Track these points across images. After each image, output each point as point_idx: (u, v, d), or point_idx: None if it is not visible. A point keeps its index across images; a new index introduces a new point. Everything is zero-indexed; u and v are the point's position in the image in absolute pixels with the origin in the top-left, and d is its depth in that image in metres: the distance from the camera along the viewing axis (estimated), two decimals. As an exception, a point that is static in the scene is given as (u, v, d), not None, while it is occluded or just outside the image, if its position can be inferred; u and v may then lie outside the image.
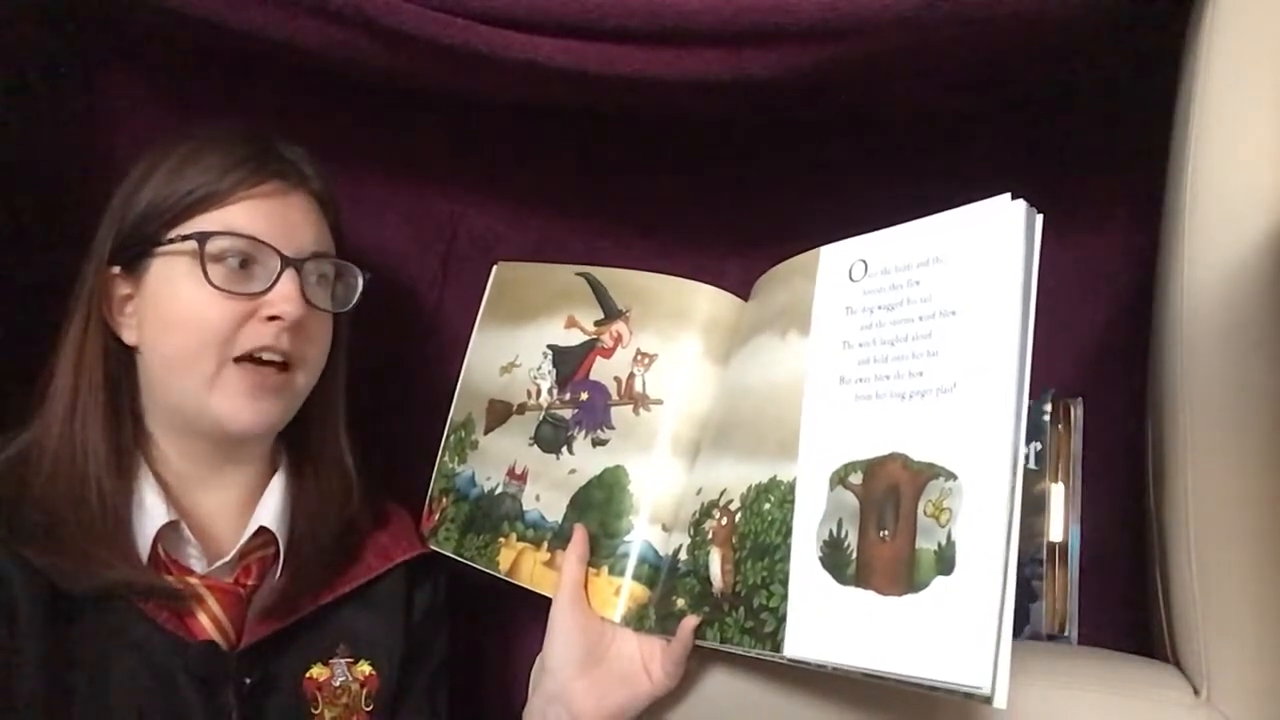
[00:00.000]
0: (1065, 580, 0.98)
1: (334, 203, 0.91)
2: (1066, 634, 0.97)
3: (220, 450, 0.87)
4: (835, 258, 0.77)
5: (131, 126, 1.07)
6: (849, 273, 0.74)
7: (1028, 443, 0.97)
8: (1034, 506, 0.98)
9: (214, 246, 0.81)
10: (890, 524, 0.65)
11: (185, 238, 0.81)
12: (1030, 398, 0.60)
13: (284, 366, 0.84)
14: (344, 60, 0.92)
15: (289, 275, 0.82)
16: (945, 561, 0.61)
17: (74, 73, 1.06)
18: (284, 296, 0.82)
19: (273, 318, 0.82)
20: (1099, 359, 1.04)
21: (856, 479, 0.68)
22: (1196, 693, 0.75)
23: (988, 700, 0.57)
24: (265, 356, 0.83)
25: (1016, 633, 0.97)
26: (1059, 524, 0.98)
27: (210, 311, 0.81)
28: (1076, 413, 0.99)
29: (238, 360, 0.82)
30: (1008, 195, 0.65)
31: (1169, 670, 0.80)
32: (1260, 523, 0.73)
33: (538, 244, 1.16)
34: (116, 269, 0.84)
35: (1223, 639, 0.75)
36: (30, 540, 0.75)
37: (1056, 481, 0.99)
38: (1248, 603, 0.74)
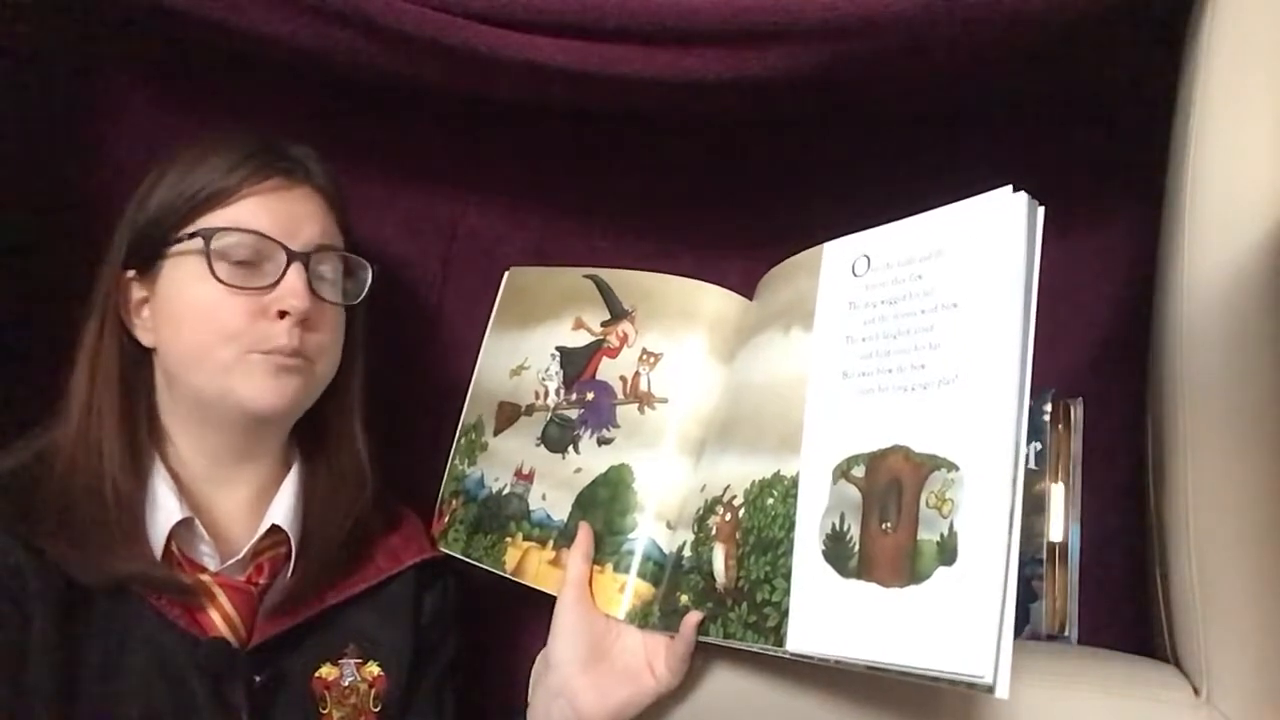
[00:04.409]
0: (1065, 580, 0.98)
1: (341, 198, 0.92)
2: (1066, 634, 0.97)
3: (237, 444, 0.88)
4: (838, 253, 0.77)
5: (131, 126, 1.07)
6: (852, 268, 0.75)
7: (1028, 443, 0.98)
8: (1034, 506, 0.98)
9: (220, 243, 0.82)
10: (892, 516, 0.65)
11: (192, 235, 0.82)
12: (1030, 396, 0.60)
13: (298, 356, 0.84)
14: (344, 60, 0.92)
15: (295, 269, 0.83)
16: (947, 552, 0.61)
17: (74, 73, 1.06)
18: (291, 290, 0.82)
19: (282, 313, 0.82)
20: (1099, 359, 1.04)
21: (859, 472, 0.68)
22: (1196, 693, 0.76)
23: (989, 690, 0.57)
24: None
25: (1016, 633, 0.97)
26: (1059, 524, 0.98)
27: (221, 308, 0.81)
28: (1076, 413, 0.99)
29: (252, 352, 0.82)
30: (1009, 188, 0.65)
31: (1169, 670, 0.80)
32: (1260, 522, 0.73)
33: (538, 244, 1.16)
34: (131, 273, 0.85)
35: (1223, 639, 0.75)
36: (45, 534, 0.76)
37: (1056, 481, 0.99)
38: (1248, 603, 0.74)
